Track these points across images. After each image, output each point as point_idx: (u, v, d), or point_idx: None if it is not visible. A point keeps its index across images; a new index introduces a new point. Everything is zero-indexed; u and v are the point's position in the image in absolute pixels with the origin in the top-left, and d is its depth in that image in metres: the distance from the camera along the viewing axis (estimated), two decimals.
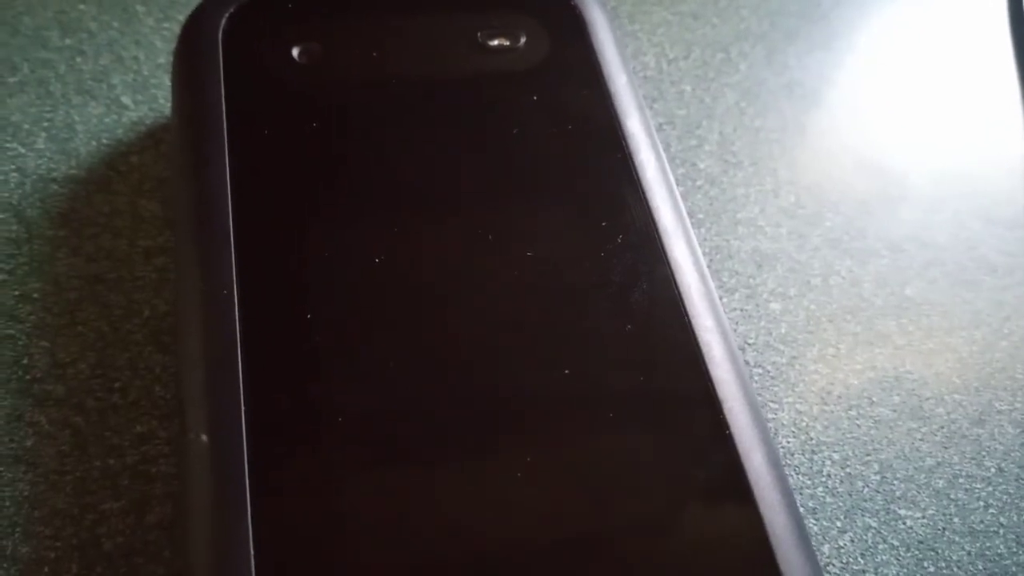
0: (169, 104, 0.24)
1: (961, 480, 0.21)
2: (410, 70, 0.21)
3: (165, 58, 0.25)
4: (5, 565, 0.18)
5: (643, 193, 0.20)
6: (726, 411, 0.18)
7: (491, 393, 0.18)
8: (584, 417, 0.18)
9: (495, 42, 0.22)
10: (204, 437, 0.16)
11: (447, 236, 0.19)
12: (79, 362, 0.20)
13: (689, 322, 0.19)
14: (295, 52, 0.21)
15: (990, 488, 0.21)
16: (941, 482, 0.21)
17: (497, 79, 0.22)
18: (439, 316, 0.18)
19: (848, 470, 0.21)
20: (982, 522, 0.21)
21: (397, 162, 0.20)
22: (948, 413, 0.22)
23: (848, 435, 0.22)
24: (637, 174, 0.20)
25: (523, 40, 0.22)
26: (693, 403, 0.18)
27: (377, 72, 0.21)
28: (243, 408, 0.16)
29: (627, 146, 0.21)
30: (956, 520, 0.21)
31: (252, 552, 0.15)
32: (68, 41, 0.25)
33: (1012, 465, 0.22)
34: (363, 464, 0.17)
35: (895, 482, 0.21)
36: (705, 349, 0.18)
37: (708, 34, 0.29)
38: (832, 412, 0.22)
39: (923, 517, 0.21)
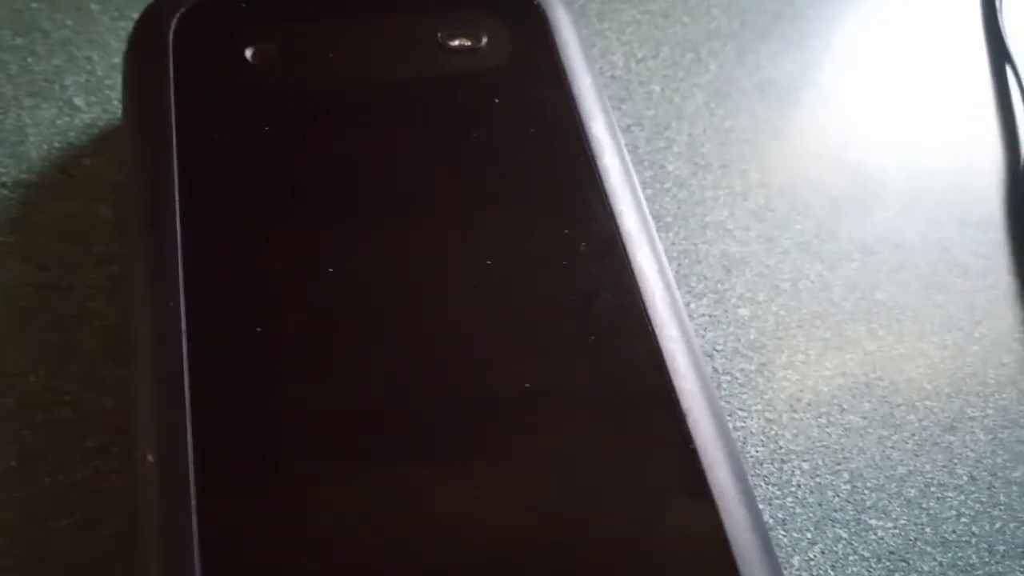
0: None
1: (933, 489, 0.21)
2: (368, 72, 0.21)
3: (119, 58, 0.25)
4: None
5: (607, 199, 0.20)
6: (690, 424, 0.17)
7: (449, 406, 0.17)
8: (544, 430, 0.17)
9: (456, 43, 0.22)
10: (150, 457, 0.16)
11: (404, 242, 0.19)
12: (29, 374, 0.20)
13: (653, 332, 0.18)
14: (248, 53, 0.21)
15: (962, 497, 0.21)
16: (912, 491, 0.21)
17: (458, 81, 0.21)
18: (393, 325, 0.18)
19: (818, 479, 0.21)
20: (954, 532, 0.21)
21: (352, 166, 0.20)
22: (919, 420, 0.22)
23: (818, 443, 0.21)
24: (600, 179, 0.20)
25: (485, 41, 0.22)
26: (656, 416, 0.17)
27: (333, 74, 0.21)
28: (189, 426, 0.16)
29: (591, 150, 0.20)
30: (928, 530, 0.21)
31: (199, 570, 0.15)
32: (20, 40, 0.25)
33: (984, 473, 0.22)
34: (311, 480, 0.16)
35: (866, 491, 0.21)
36: (669, 360, 0.18)
37: (678, 33, 0.28)
38: (802, 420, 0.22)
39: (894, 527, 0.20)
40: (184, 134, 0.19)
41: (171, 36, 0.20)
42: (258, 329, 0.17)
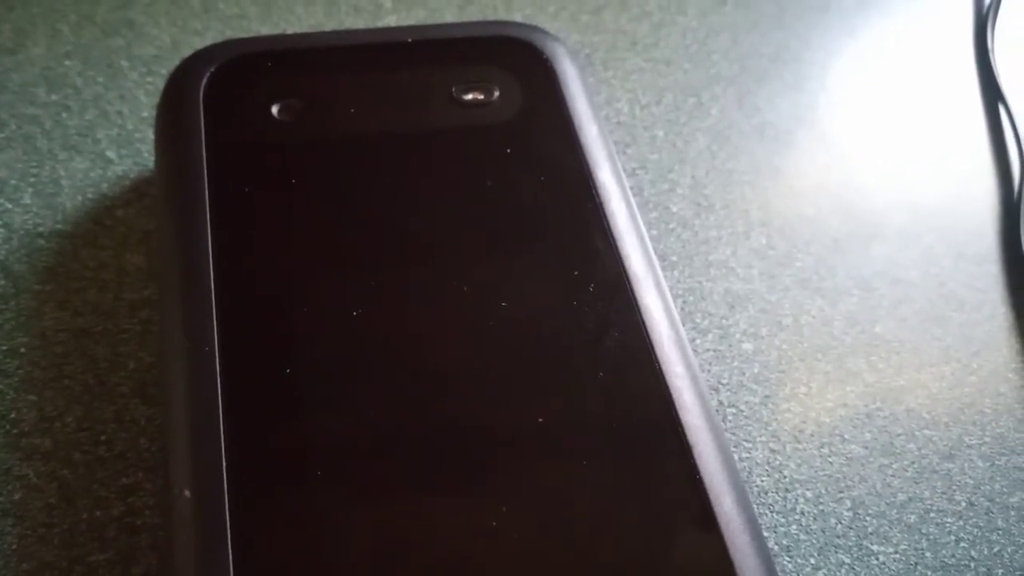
0: (153, 157, 0.25)
1: (932, 515, 0.22)
2: (387, 126, 0.22)
3: (149, 112, 0.26)
4: None
5: (614, 242, 0.21)
6: (696, 456, 0.18)
7: (464, 445, 0.18)
8: (554, 465, 0.18)
9: (469, 96, 0.23)
10: (187, 492, 0.17)
11: (423, 289, 0.20)
12: (66, 415, 0.21)
13: (659, 368, 0.19)
14: (275, 109, 0.22)
15: (961, 522, 0.22)
16: (913, 517, 0.22)
17: (472, 133, 0.22)
18: (415, 370, 0.19)
19: (821, 507, 0.22)
20: (953, 556, 0.21)
21: (374, 216, 0.21)
22: (919, 449, 0.23)
23: (821, 472, 0.22)
24: (608, 223, 0.21)
25: (496, 94, 0.23)
26: (663, 449, 0.18)
27: (355, 128, 0.22)
28: (224, 464, 0.17)
29: (598, 196, 0.21)
30: (928, 555, 0.21)
31: None
32: (54, 97, 0.26)
33: (982, 499, 0.22)
34: (342, 517, 0.17)
35: (867, 518, 0.22)
36: (675, 394, 0.19)
37: (680, 79, 0.30)
38: (805, 450, 0.22)
39: (896, 552, 0.21)
40: (215, 184, 0.20)
41: (202, 92, 0.21)
42: (288, 370, 0.18)
